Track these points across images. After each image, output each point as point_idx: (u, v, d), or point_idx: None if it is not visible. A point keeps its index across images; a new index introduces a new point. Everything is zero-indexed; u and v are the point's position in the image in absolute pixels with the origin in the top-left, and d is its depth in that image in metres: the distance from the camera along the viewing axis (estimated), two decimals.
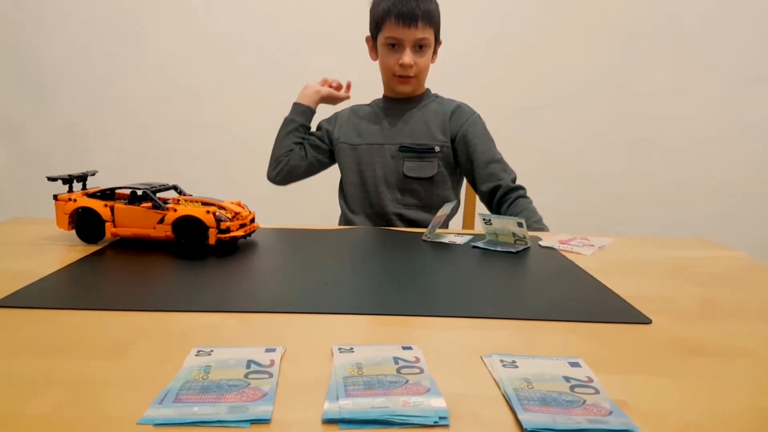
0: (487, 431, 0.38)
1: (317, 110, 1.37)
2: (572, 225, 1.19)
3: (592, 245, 0.94)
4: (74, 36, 2.11)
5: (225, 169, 2.19)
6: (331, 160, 1.37)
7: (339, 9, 2.05)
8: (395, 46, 1.21)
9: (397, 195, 1.27)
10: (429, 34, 1.20)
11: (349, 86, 1.39)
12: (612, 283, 0.73)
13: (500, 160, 1.27)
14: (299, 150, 1.33)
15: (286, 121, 1.34)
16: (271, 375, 0.44)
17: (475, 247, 0.91)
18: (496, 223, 0.93)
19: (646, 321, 0.60)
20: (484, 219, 0.94)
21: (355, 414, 0.38)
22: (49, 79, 2.14)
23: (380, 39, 1.23)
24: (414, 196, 1.26)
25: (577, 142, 2.17)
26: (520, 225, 0.90)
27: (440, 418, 0.38)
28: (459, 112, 1.29)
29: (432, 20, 1.20)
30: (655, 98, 2.13)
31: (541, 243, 0.94)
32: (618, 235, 1.02)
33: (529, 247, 0.91)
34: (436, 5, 1.22)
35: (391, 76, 1.25)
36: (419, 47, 1.21)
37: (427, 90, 1.33)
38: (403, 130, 1.28)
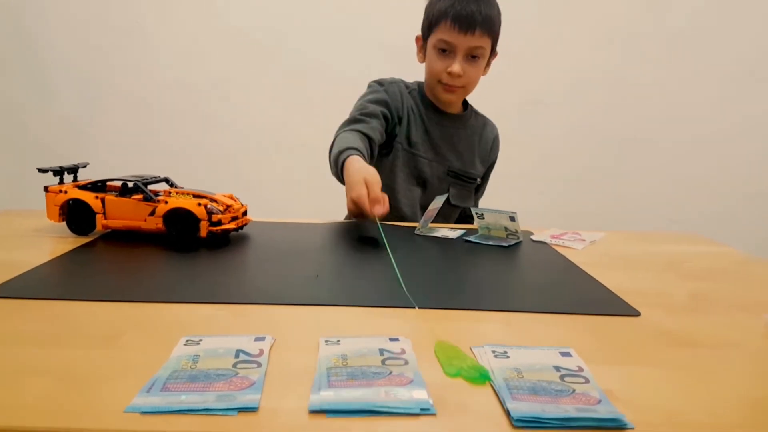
0: (475, 420, 0.38)
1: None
2: (572, 224, 1.18)
3: (584, 240, 0.94)
4: (76, 29, 2.09)
5: (221, 164, 2.18)
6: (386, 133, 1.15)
7: (340, 5, 2.04)
8: (446, 51, 1.09)
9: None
10: (485, 44, 1.08)
11: (386, 206, 0.87)
12: (602, 276, 0.73)
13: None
14: (368, 145, 1.07)
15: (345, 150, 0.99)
16: (259, 364, 0.44)
17: (467, 241, 0.91)
18: (488, 217, 0.93)
19: (635, 313, 0.60)
20: (476, 213, 0.94)
21: (336, 405, 0.38)
22: (49, 72, 2.13)
23: (431, 41, 1.11)
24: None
25: (577, 141, 2.17)
26: (512, 219, 0.90)
27: (421, 409, 0.38)
28: (497, 143, 1.27)
29: (491, 29, 1.08)
30: (654, 97, 2.13)
31: (533, 237, 0.95)
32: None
33: (520, 242, 0.91)
34: (499, 13, 1.10)
35: (436, 83, 1.13)
36: (472, 56, 1.09)
37: (465, 102, 1.24)
38: (452, 151, 1.19)
